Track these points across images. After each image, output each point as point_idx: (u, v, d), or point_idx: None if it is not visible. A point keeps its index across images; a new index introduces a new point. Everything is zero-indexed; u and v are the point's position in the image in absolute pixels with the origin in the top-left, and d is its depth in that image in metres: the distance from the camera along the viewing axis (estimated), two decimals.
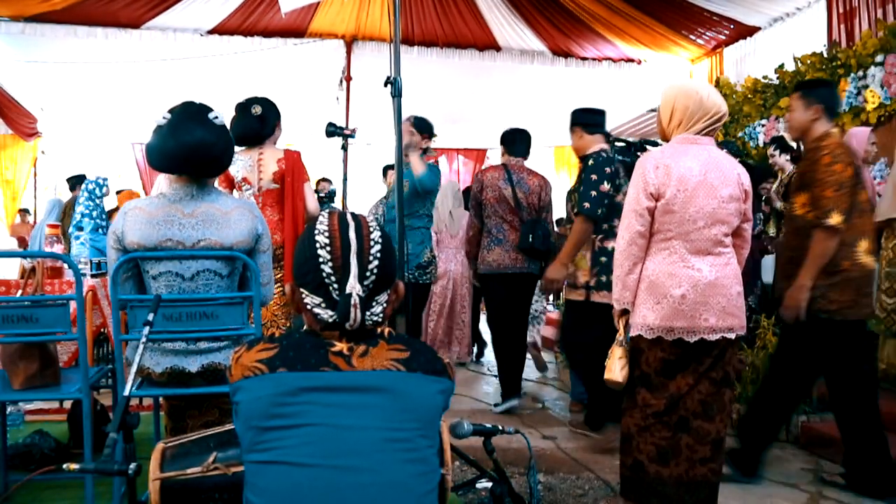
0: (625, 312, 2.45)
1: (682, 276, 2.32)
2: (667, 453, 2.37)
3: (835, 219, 2.67)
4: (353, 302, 1.18)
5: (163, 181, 5.62)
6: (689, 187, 2.31)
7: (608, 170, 3.43)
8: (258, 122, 3.32)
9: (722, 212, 2.33)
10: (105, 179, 5.39)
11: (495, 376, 5.13)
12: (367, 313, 1.22)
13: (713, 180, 2.32)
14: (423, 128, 4.05)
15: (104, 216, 5.26)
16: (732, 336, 2.35)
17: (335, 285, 1.20)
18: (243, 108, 3.34)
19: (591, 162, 3.47)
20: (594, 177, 3.39)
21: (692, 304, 2.30)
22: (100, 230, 5.12)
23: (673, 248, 2.35)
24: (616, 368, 2.42)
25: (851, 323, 2.79)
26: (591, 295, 3.44)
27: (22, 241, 9.18)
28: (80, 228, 5.10)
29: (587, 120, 3.66)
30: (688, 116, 2.39)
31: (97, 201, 5.19)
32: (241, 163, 3.33)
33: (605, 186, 3.39)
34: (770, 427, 3.04)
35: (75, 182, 7.21)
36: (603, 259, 3.42)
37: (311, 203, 3.39)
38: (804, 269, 2.73)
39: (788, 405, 3.07)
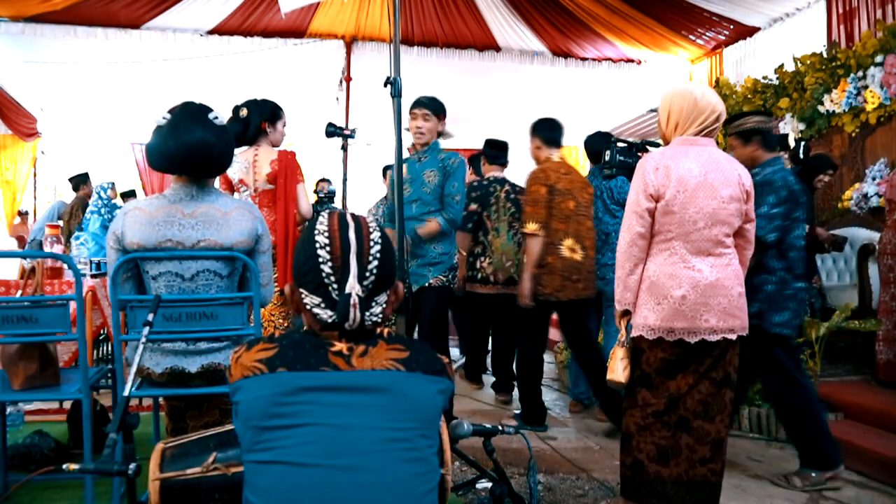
0: (626, 313, 2.45)
1: (682, 276, 2.32)
2: (666, 453, 2.37)
3: (530, 227, 3.58)
4: (352, 302, 1.18)
5: None
6: (688, 188, 2.31)
7: (474, 194, 4.41)
8: (241, 124, 3.35)
9: (722, 212, 2.33)
10: (111, 183, 5.52)
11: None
12: (367, 313, 1.22)
13: (713, 181, 2.33)
14: (441, 109, 3.54)
15: (113, 216, 5.34)
16: (733, 337, 2.35)
17: (335, 285, 1.20)
18: (234, 111, 3.39)
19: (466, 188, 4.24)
20: (465, 200, 4.06)
21: (693, 305, 2.30)
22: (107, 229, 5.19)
23: (673, 248, 2.35)
24: (619, 369, 2.43)
25: (565, 302, 3.64)
26: (466, 286, 4.50)
27: (21, 241, 9.19)
28: (81, 229, 5.12)
29: (488, 152, 4.57)
30: (683, 118, 2.40)
31: (102, 201, 5.27)
32: (238, 164, 3.34)
33: (473, 206, 4.39)
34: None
35: (78, 182, 7.23)
36: (470, 259, 4.49)
37: (304, 205, 3.37)
38: (524, 266, 3.63)
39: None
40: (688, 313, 2.31)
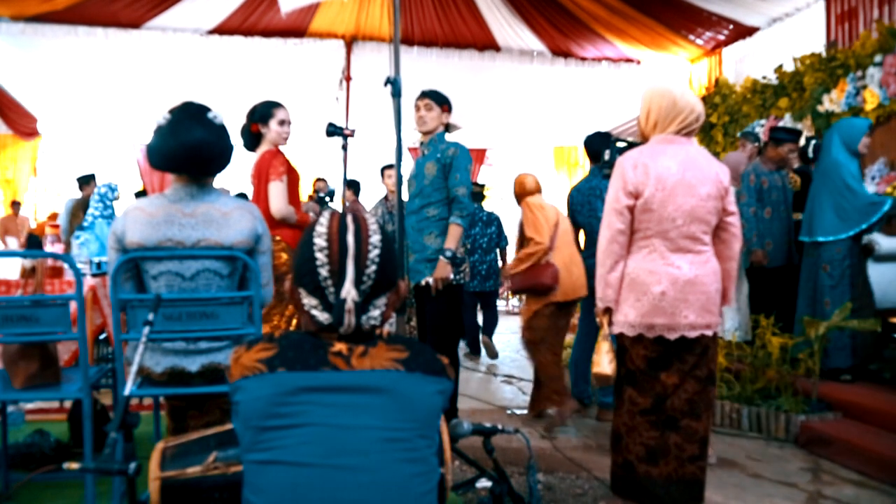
0: (609, 310, 2.47)
1: (661, 273, 2.35)
2: (655, 453, 2.39)
3: None
4: (347, 307, 1.18)
5: None
6: (667, 186, 2.34)
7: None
8: (244, 134, 3.49)
9: (701, 210, 2.36)
10: (116, 185, 5.53)
11: (495, 375, 5.15)
12: (364, 317, 1.22)
13: (691, 179, 2.35)
14: (443, 99, 3.47)
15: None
16: (710, 333, 2.39)
17: (331, 289, 1.20)
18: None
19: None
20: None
21: (672, 301, 2.33)
22: None
23: (653, 245, 2.38)
24: (604, 362, 2.46)
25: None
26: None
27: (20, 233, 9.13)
28: (82, 229, 5.13)
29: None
30: (662, 117, 2.43)
31: (107, 202, 5.28)
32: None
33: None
34: None
35: (83, 182, 7.22)
36: None
37: (274, 204, 3.28)
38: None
39: None
40: (667, 309, 2.34)
